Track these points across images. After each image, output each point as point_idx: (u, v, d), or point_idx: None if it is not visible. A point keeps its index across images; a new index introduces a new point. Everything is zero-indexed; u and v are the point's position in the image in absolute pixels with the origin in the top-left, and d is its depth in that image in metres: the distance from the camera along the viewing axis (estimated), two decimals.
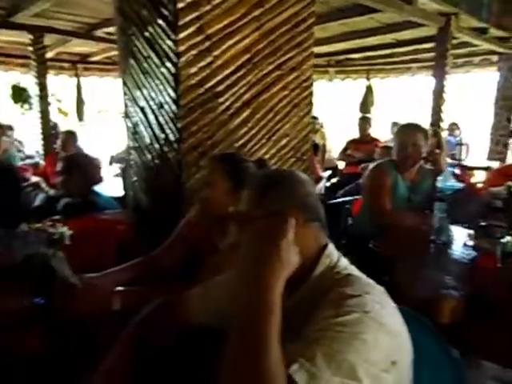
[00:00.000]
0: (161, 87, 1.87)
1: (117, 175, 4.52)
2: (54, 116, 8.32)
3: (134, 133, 2.17)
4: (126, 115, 2.25)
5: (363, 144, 5.10)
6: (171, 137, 1.86)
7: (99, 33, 4.88)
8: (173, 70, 1.77)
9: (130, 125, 2.22)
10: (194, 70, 1.77)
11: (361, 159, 4.72)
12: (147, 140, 2.05)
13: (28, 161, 5.36)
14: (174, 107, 1.81)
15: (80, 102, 6.64)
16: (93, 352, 1.08)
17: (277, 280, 0.76)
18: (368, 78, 7.08)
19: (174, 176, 1.88)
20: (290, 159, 2.20)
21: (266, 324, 0.70)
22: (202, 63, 1.79)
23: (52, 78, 7.34)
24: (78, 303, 1.16)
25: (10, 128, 5.73)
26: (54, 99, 7.57)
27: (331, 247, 0.94)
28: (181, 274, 1.54)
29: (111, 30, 4.79)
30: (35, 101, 4.96)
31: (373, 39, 4.89)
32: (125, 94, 2.25)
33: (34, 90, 5.16)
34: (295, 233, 0.84)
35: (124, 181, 3.22)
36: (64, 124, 6.63)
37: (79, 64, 6.77)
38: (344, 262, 0.93)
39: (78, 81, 6.68)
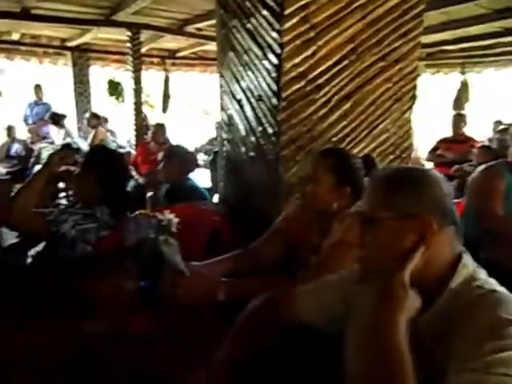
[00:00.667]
0: (261, 79, 1.86)
1: (200, 166, 4.66)
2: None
3: (229, 125, 2.19)
4: (222, 108, 2.28)
5: (456, 143, 4.71)
6: (269, 130, 1.84)
7: (190, 29, 5.05)
8: (275, 61, 1.74)
9: (224, 117, 2.25)
10: (296, 60, 1.73)
11: (454, 160, 4.37)
12: (242, 132, 2.05)
13: (120, 150, 5.74)
14: (274, 100, 1.78)
15: (166, 96, 6.96)
16: (191, 340, 1.10)
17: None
18: (463, 72, 6.53)
19: (271, 170, 1.86)
20: (388, 156, 2.07)
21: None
22: (306, 54, 1.74)
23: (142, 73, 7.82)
24: (184, 290, 1.18)
25: (106, 120, 6.18)
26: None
27: (467, 256, 0.84)
28: (278, 268, 1.52)
29: (201, 25, 4.95)
30: (129, 94, 5.30)
31: (474, 28, 4.47)
32: (221, 86, 2.27)
33: (127, 84, 5.53)
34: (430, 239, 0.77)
35: (212, 172, 3.30)
36: (150, 116, 7.00)
37: (168, 59, 7.08)
38: (482, 273, 0.83)
39: (166, 75, 7.00)
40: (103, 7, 4.24)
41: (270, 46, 1.76)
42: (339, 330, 0.99)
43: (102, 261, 1.48)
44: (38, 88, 6.30)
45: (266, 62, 1.80)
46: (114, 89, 6.72)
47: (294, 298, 1.05)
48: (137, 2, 3.87)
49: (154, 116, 7.42)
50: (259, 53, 1.84)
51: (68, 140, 4.54)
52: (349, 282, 1.00)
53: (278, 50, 1.71)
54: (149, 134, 4.85)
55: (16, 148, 5.66)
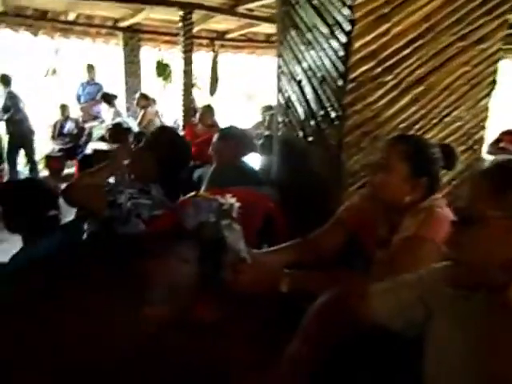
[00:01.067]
0: (325, 59, 1.74)
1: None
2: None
3: (286, 108, 2.09)
4: (279, 89, 2.18)
5: None
6: (332, 113, 1.73)
7: (241, 9, 4.95)
8: (343, 39, 1.62)
9: (281, 100, 2.16)
10: (367, 39, 1.60)
11: None
12: (302, 116, 1.95)
13: None
14: (339, 81, 1.66)
15: (214, 78, 6.93)
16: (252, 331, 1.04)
17: None
18: None
19: (331, 156, 1.76)
20: (459, 147, 1.91)
21: None
22: (378, 31, 1.60)
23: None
24: (246, 278, 1.12)
25: (154, 101, 6.23)
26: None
27: None
28: (338, 261, 1.44)
29: (253, 6, 4.83)
30: (179, 75, 5.29)
31: None
32: (279, 67, 2.18)
33: (175, 66, 5.51)
34: None
35: (263, 157, 3.22)
36: (197, 99, 7.01)
37: (216, 41, 7.03)
38: None
39: (215, 57, 6.96)
40: None
41: (338, 23, 1.64)
42: (418, 333, 0.91)
43: (159, 241, 1.45)
44: (90, 68, 6.45)
45: (332, 41, 1.68)
46: (163, 70, 6.76)
47: (367, 296, 0.97)
48: None
49: (200, 98, 7.44)
50: (325, 30, 1.72)
51: (119, 119, 4.61)
52: (430, 282, 0.91)
53: (348, 27, 1.59)
54: (196, 116, 4.84)
55: (69, 126, 5.85)
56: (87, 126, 5.71)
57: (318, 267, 1.32)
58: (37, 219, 1.52)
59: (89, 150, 3.95)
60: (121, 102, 6.82)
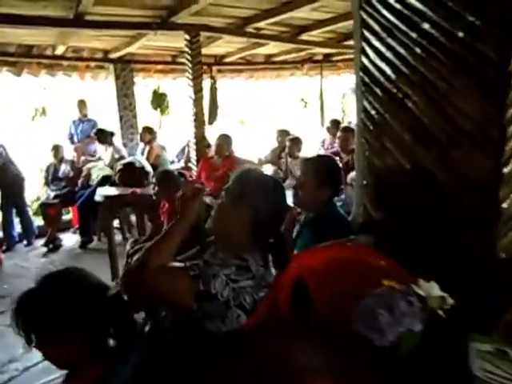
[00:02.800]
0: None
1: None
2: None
3: (378, 129, 1.64)
4: (362, 109, 1.74)
5: None
6: (477, 134, 1.28)
7: (249, 29, 4.57)
8: None
9: (367, 120, 1.71)
10: None
11: None
12: (406, 138, 1.50)
13: (174, 166, 5.30)
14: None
15: (214, 106, 6.49)
16: None
17: None
18: None
19: (473, 192, 1.29)
20: None
21: None
22: None
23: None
24: None
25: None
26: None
27: None
28: None
29: (261, 24, 4.46)
30: (176, 105, 4.86)
31: None
32: (362, 81, 1.75)
33: (174, 95, 5.07)
34: None
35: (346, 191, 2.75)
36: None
37: (214, 66, 6.65)
38: None
39: (214, 83, 6.55)
40: (162, 8, 3.80)
41: None
42: None
43: (282, 343, 0.95)
44: (82, 104, 5.95)
45: None
46: (159, 100, 6.30)
47: None
48: (199, 2, 3.40)
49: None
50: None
51: (130, 158, 4.09)
52: None
53: None
54: (211, 148, 4.39)
55: (64, 169, 5.29)
56: (85, 167, 5.17)
57: None
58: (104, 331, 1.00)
59: (98, 196, 3.40)
60: (117, 139, 6.33)
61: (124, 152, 5.22)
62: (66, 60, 5.88)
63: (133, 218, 5.08)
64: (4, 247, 4.84)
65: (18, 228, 5.20)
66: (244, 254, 1.19)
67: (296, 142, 4.56)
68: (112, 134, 5.26)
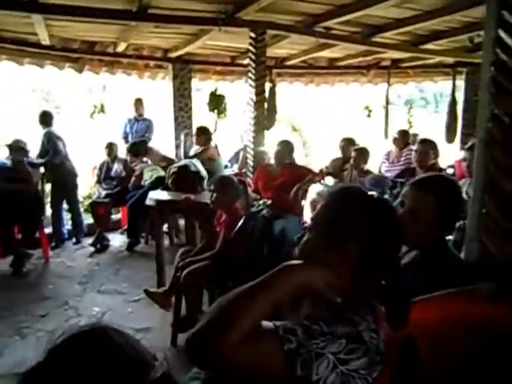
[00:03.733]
0: None
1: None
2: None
3: None
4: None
5: None
6: None
7: (318, 28, 4.21)
8: None
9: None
10: None
11: None
12: None
13: (227, 171, 5.02)
14: None
15: (272, 110, 6.18)
16: None
17: None
18: None
19: None
20: None
21: None
22: None
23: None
24: None
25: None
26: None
27: None
28: None
29: (331, 23, 4.08)
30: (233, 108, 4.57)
31: None
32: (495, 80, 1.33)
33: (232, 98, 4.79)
34: None
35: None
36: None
37: (274, 69, 6.36)
38: None
39: (273, 87, 6.25)
40: (228, 2, 3.54)
41: None
42: None
43: None
44: (138, 102, 5.84)
45: None
46: (218, 102, 6.08)
47: None
48: None
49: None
50: None
51: (184, 161, 3.84)
52: None
53: None
54: (269, 156, 4.06)
55: (116, 168, 5.18)
56: (137, 167, 5.02)
57: None
58: None
59: (150, 200, 3.16)
60: (170, 140, 6.19)
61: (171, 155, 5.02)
62: (126, 58, 5.82)
63: (181, 222, 4.87)
64: (53, 244, 4.78)
65: (67, 225, 5.17)
66: (354, 315, 0.81)
67: (363, 152, 4.12)
68: (145, 142, 5.08)
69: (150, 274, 3.91)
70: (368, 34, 4.55)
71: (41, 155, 4.67)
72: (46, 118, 4.71)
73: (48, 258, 4.44)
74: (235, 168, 6.01)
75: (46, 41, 4.70)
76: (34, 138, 4.93)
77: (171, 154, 5.78)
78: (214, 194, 2.58)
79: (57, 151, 4.61)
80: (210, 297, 2.64)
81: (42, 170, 4.77)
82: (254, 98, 3.92)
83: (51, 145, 4.60)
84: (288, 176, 3.71)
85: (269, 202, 3.08)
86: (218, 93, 6.37)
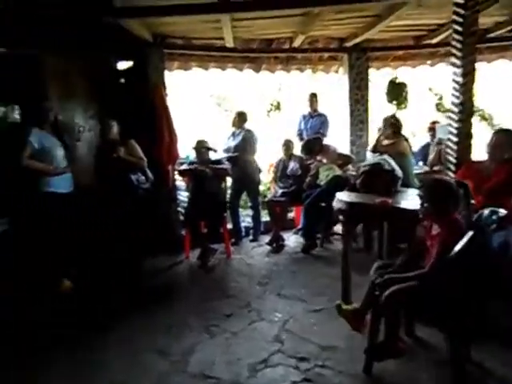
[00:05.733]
0: None
1: None
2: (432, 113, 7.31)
3: None
4: None
5: None
6: None
7: None
8: None
9: None
10: None
11: None
12: None
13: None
14: None
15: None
16: None
17: None
18: None
19: None
20: None
21: None
22: None
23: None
24: None
25: None
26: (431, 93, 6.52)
27: None
28: None
29: None
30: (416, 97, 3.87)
31: None
32: None
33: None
34: None
35: None
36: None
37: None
38: None
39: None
40: None
41: None
42: None
43: None
44: (313, 97, 5.62)
45: None
46: (398, 92, 5.42)
47: None
48: None
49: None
50: None
51: (376, 158, 3.40)
52: None
53: None
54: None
55: (292, 166, 5.06)
56: (313, 165, 4.79)
57: None
58: None
59: (339, 203, 2.82)
60: (345, 135, 5.81)
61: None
62: (301, 52, 5.67)
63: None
64: (232, 240, 4.93)
65: (243, 222, 5.32)
66: None
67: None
68: (318, 139, 4.76)
69: (329, 282, 3.61)
70: None
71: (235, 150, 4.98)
72: (243, 118, 5.08)
73: (230, 254, 4.58)
74: (420, 164, 5.26)
75: (230, 43, 4.85)
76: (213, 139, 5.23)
77: (346, 151, 5.42)
78: (427, 203, 2.06)
79: (253, 148, 5.00)
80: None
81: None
82: (461, 79, 3.19)
83: (249, 141, 4.96)
84: (505, 175, 2.91)
85: (502, 211, 2.38)
86: (397, 81, 5.68)
